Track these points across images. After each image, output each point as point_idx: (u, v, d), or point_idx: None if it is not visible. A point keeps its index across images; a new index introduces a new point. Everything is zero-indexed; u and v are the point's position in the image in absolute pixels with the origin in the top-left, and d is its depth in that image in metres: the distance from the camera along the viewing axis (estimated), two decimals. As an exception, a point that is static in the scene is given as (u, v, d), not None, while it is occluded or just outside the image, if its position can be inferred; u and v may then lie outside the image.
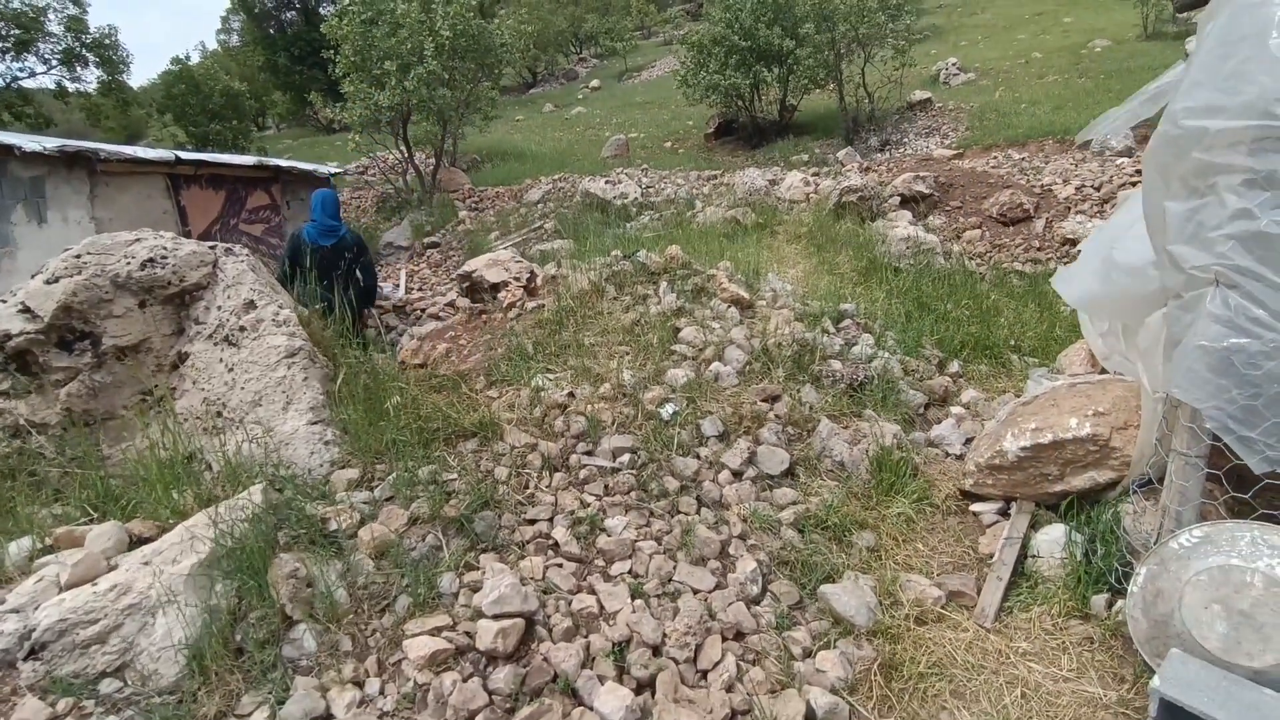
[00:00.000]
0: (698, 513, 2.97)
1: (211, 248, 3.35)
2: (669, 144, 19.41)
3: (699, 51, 16.86)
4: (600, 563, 2.67)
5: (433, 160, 12.50)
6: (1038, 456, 2.81)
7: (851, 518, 2.98)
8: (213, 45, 47.65)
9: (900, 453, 3.31)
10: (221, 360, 3.16)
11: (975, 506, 3.08)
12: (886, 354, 4.20)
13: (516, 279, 4.82)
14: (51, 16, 18.40)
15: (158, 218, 6.45)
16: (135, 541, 2.65)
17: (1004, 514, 3.01)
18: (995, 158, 10.00)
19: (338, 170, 7.99)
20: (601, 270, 4.77)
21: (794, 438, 3.45)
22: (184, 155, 6.42)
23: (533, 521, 2.81)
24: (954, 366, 4.39)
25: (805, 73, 15.55)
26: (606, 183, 10.38)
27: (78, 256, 3.07)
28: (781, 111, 17.39)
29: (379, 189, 12.55)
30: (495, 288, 4.85)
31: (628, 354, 3.95)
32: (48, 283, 2.99)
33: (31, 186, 6.27)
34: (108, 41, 18.81)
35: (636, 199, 9.92)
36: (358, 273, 5.26)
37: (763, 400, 3.60)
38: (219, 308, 3.22)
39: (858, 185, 7.69)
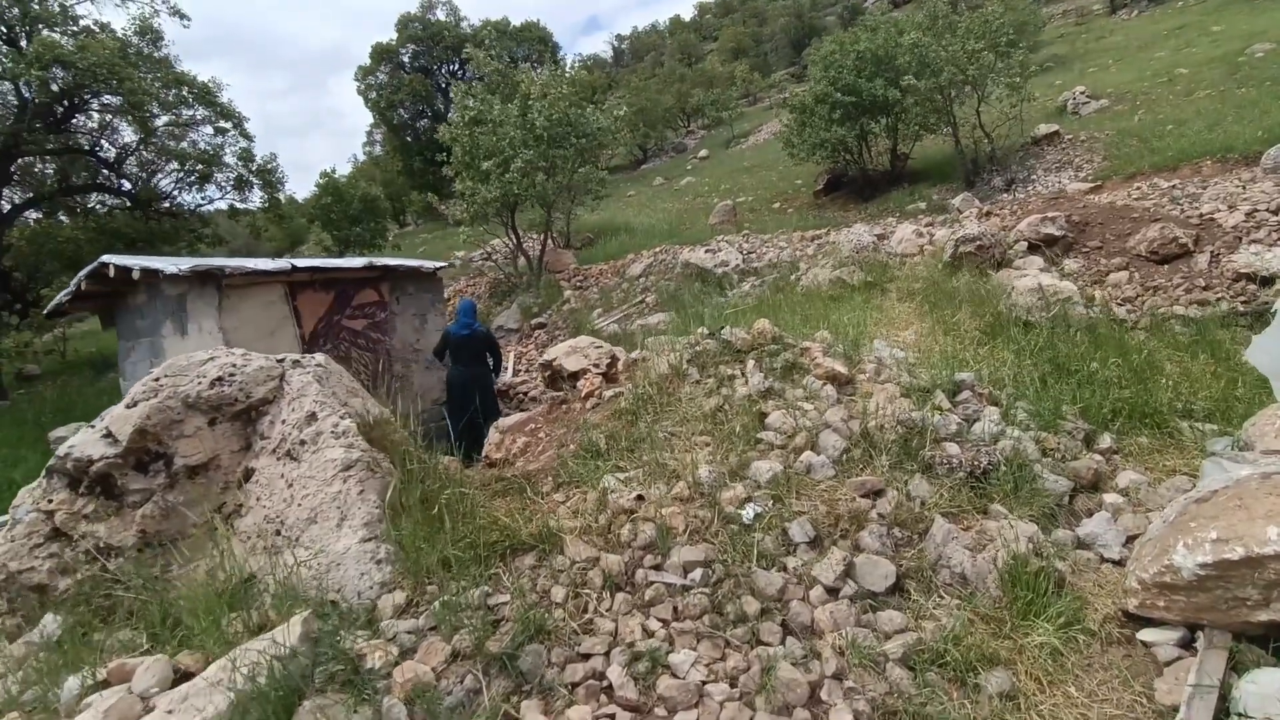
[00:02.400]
0: (782, 643, 2.49)
1: (280, 360, 3.35)
2: (777, 205, 19.15)
3: (802, 112, 16.68)
4: (660, 711, 2.26)
5: (542, 244, 12.90)
6: (1226, 576, 2.15)
7: (978, 650, 2.39)
8: (362, 156, 53.11)
9: (1039, 560, 2.69)
10: (282, 476, 3.09)
11: (1145, 634, 2.41)
12: (1017, 431, 3.56)
13: (595, 366, 4.60)
14: (227, 151, 20.83)
15: (278, 322, 6.85)
16: (181, 676, 2.54)
17: (1188, 645, 2.32)
18: (1139, 188, 8.91)
19: (443, 265, 8.25)
20: (683, 351, 4.46)
21: (902, 543, 2.91)
22: (299, 264, 6.82)
23: (586, 656, 2.45)
24: (1105, 441, 3.67)
25: (914, 119, 14.93)
26: (706, 252, 10.19)
27: (156, 379, 3.13)
28: (893, 160, 16.74)
29: (491, 276, 13.05)
30: (574, 376, 4.65)
31: (707, 445, 3.57)
32: (128, 407, 3.06)
33: (176, 303, 6.86)
34: (269, 167, 21.12)
35: (738, 266, 9.63)
36: (488, 355, 7.52)
37: (863, 496, 3.10)
38: (283, 421, 3.19)
39: (975, 234, 7.01)
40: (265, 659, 2.29)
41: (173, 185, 20.57)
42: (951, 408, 3.78)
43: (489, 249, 13.66)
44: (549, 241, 13.08)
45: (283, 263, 6.79)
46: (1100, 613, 2.53)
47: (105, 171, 20.10)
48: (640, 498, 3.16)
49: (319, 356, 3.73)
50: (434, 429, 8.24)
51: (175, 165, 20.08)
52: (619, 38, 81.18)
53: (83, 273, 7.21)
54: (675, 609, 2.65)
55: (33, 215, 20.48)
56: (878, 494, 3.12)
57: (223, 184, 20.99)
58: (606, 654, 2.46)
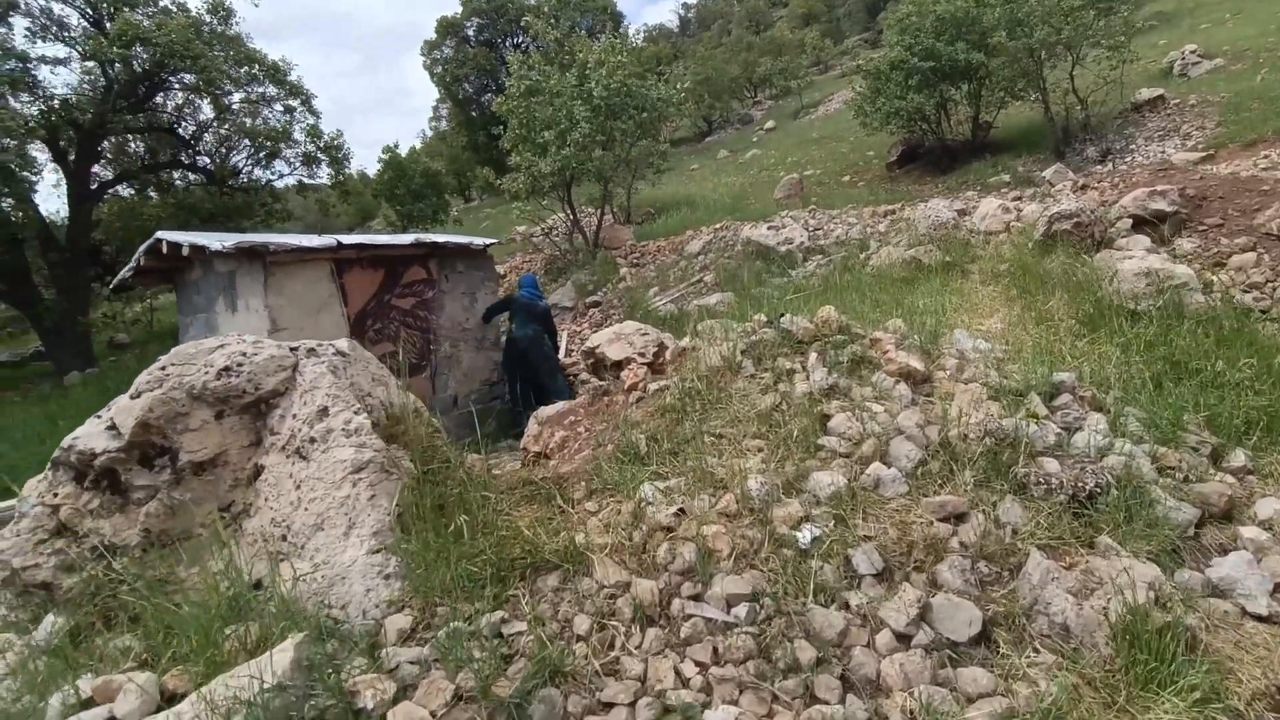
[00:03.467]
0: (842, 701, 2.10)
1: (293, 349, 3.10)
2: (847, 178, 18.26)
3: (876, 78, 15.71)
4: (692, 784, 1.91)
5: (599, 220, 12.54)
6: None
7: (1085, 727, 1.95)
8: (430, 132, 53.72)
9: (1163, 614, 2.20)
10: (291, 475, 2.85)
11: (1309, 720, 1.91)
12: (1128, 444, 3.03)
13: (641, 355, 4.23)
14: (295, 128, 21.19)
15: (324, 300, 6.73)
16: (168, 698, 2.33)
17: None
18: (1267, 156, 7.90)
19: (493, 241, 7.99)
20: (738, 341, 4.03)
21: (989, 580, 2.46)
22: (345, 240, 6.66)
23: (608, 707, 2.12)
24: (1238, 459, 3.09)
25: (1000, 85, 13.85)
26: (769, 228, 9.64)
27: (162, 368, 2.92)
28: (974, 130, 15.64)
29: (547, 252, 12.80)
30: (618, 365, 4.29)
31: (760, 450, 3.17)
32: (132, 398, 2.87)
33: (227, 279, 6.81)
34: (336, 144, 21.40)
35: (802, 243, 9.06)
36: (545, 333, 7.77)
37: (942, 520, 2.65)
38: (294, 416, 2.94)
39: (1072, 209, 6.27)
40: (248, 693, 2.04)
41: (245, 161, 21.10)
42: (1049, 414, 3.25)
43: (549, 224, 13.40)
44: (606, 217, 12.71)
45: (329, 239, 6.64)
46: (1247, 687, 2.04)
47: (184, 149, 20.74)
48: (681, 512, 2.79)
49: (341, 343, 3.48)
50: (481, 411, 8.07)
51: (247, 142, 20.55)
52: (685, 6, 79.34)
53: (141, 249, 7.25)
54: (715, 650, 2.28)
55: (127, 190, 21.33)
56: (960, 518, 2.67)
57: (292, 160, 21.42)
58: (632, 705, 2.11)
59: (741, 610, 2.37)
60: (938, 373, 3.71)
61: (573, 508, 3.06)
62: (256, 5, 20.82)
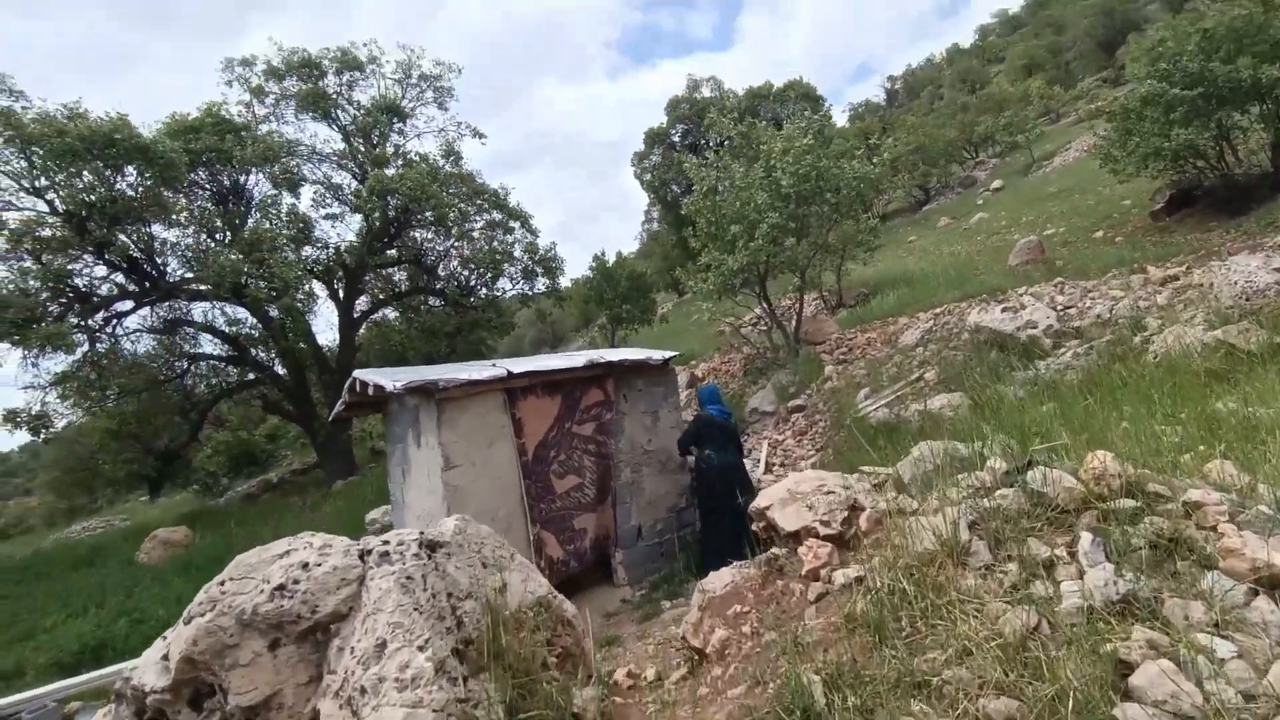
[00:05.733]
0: None
1: (363, 556, 2.53)
2: (1099, 234, 15.51)
3: (1125, 118, 13.29)
4: None
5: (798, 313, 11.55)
6: None
7: None
8: (643, 234, 56.60)
9: None
10: (343, 731, 2.21)
11: None
12: None
13: (824, 523, 3.16)
14: (515, 246, 23.11)
15: (496, 433, 6.47)
16: None
17: None
18: None
19: (674, 355, 7.38)
20: (962, 506, 2.83)
21: None
22: (515, 368, 6.40)
23: None
24: None
25: (1311, 100, 10.93)
26: (1004, 310, 7.99)
27: (221, 584, 2.49)
28: (1276, 159, 12.46)
29: (746, 351, 12.00)
30: (795, 536, 3.26)
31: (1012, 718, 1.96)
32: (184, 623, 2.44)
33: (414, 414, 6.87)
34: (549, 256, 22.90)
35: (1050, 327, 7.32)
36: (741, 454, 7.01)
37: None
38: (351, 650, 2.32)
39: None
40: None
41: (476, 281, 23.25)
42: None
43: (746, 320, 12.68)
44: (810, 307, 11.68)
45: (499, 369, 6.42)
46: None
47: (426, 276, 23.39)
48: None
49: (445, 526, 2.90)
50: (667, 543, 7.25)
51: (474, 265, 22.69)
52: (890, 79, 77.63)
53: (346, 386, 7.62)
54: None
55: (392, 313, 24.46)
56: None
57: (514, 276, 23.20)
58: None
59: None
60: (1328, 573, 2.22)
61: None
62: (484, 144, 23.17)
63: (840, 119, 55.76)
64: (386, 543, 2.61)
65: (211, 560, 12.13)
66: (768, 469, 8.41)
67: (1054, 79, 47.16)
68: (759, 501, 3.63)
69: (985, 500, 2.86)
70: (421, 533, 2.77)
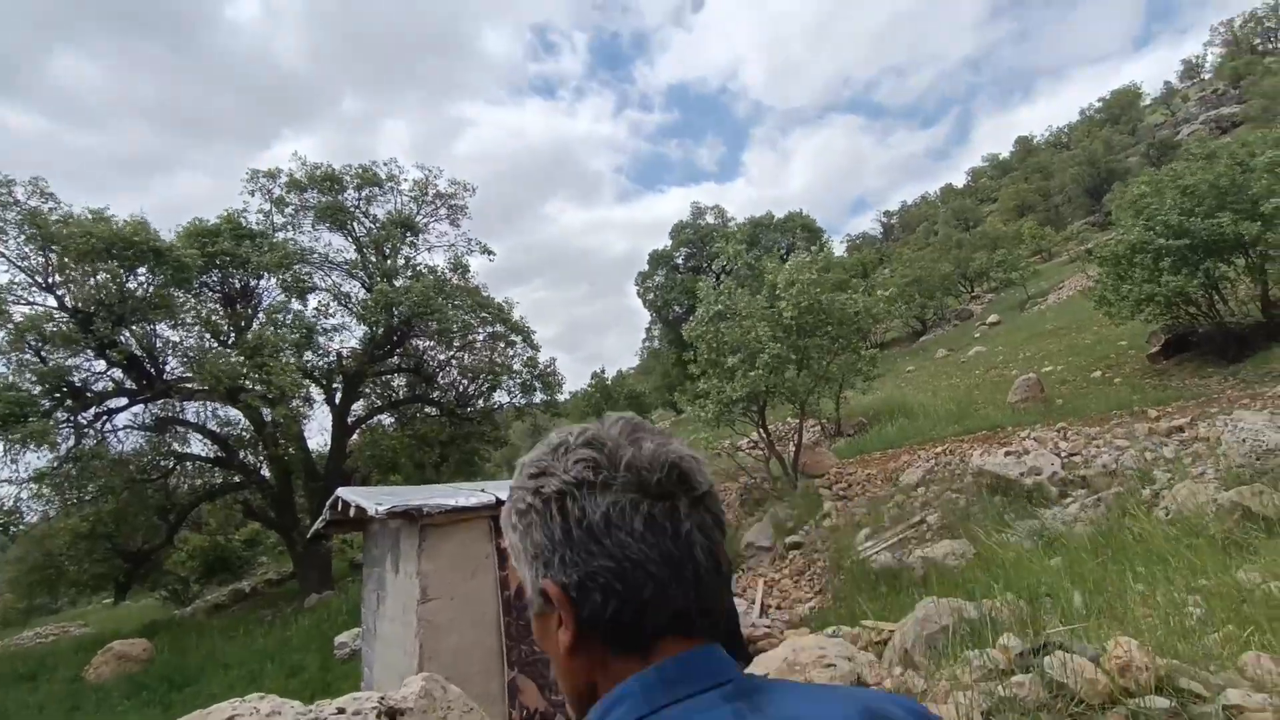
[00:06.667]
0: None
1: (308, 730, 2.26)
2: (1097, 374, 15.61)
3: (1115, 264, 13.68)
4: None
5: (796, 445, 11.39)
6: None
7: None
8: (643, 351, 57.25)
9: None
10: None
11: None
12: None
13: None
14: (515, 360, 23.26)
15: (479, 562, 6.16)
16: None
17: None
18: None
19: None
20: (973, 694, 2.57)
21: None
22: (504, 495, 6.14)
23: None
24: None
25: (1294, 254, 11.26)
26: (1008, 454, 7.83)
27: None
28: (1266, 309, 12.72)
29: (743, 481, 11.73)
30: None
31: None
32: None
33: (395, 537, 6.59)
34: (549, 371, 22.98)
35: (1055, 474, 7.14)
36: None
37: None
38: None
39: None
40: None
41: (473, 392, 23.20)
42: None
43: (751, 443, 12.49)
44: (807, 438, 11.53)
45: (486, 495, 6.18)
46: None
47: (424, 384, 23.37)
48: None
49: (410, 687, 2.62)
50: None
51: (473, 375, 22.73)
52: (887, 214, 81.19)
53: (328, 504, 7.36)
54: None
55: (387, 419, 24.21)
56: None
57: (511, 389, 23.19)
58: None
59: None
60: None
61: None
62: (492, 260, 23.78)
63: (839, 249, 57.85)
64: (342, 710, 2.34)
65: (163, 681, 11.33)
66: (763, 611, 7.98)
67: (1044, 220, 49.29)
68: (752, 669, 3.34)
69: (1000, 687, 2.60)
70: (382, 698, 2.51)
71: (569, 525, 0.68)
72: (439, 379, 23.18)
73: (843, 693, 0.71)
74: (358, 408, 22.58)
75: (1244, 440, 5.69)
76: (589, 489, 0.69)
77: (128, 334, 16.00)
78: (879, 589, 6.64)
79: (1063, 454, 7.72)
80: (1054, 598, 4.61)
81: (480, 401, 23.21)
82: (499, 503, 6.17)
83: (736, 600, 7.96)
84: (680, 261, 41.37)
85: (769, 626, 7.19)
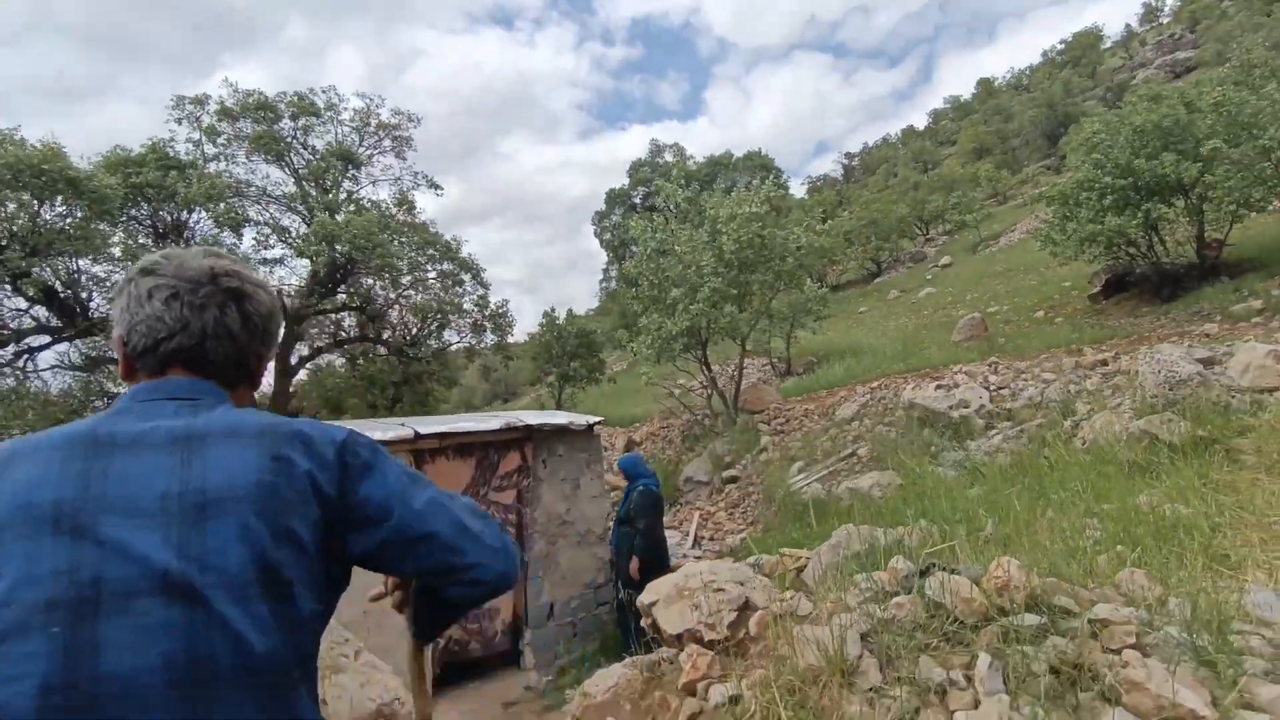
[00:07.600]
0: None
1: None
2: (1040, 314, 15.88)
3: (1063, 203, 13.75)
4: None
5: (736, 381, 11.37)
6: None
7: None
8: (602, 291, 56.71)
9: None
10: None
11: None
12: None
13: (710, 625, 2.81)
14: (465, 299, 22.72)
15: (399, 497, 5.97)
16: None
17: None
18: None
19: (600, 420, 7.05)
20: (855, 617, 2.52)
21: None
22: (424, 429, 5.98)
23: None
24: None
25: (1230, 197, 11.40)
26: (938, 388, 7.89)
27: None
28: (1200, 250, 12.96)
29: (685, 417, 11.72)
30: (679, 639, 2.90)
31: None
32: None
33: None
34: (501, 312, 22.54)
35: (983, 407, 7.22)
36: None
37: None
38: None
39: None
40: None
41: (420, 331, 22.72)
42: None
43: (685, 386, 12.46)
44: (751, 376, 11.52)
45: (405, 429, 5.99)
46: None
47: (372, 323, 22.80)
48: None
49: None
50: (583, 621, 6.77)
51: (421, 315, 22.21)
52: (848, 155, 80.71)
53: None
54: None
55: (338, 360, 23.63)
56: None
57: (461, 329, 22.76)
58: None
59: None
60: (1241, 715, 1.95)
61: None
62: (440, 195, 23.06)
63: (799, 191, 57.47)
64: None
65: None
66: (696, 542, 8.03)
67: (1001, 163, 49.51)
68: (645, 597, 3.26)
69: (880, 608, 2.56)
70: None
71: (128, 298, 1.07)
72: (389, 317, 22.61)
73: (267, 421, 1.00)
74: (302, 348, 21.98)
75: (1159, 372, 5.77)
76: (144, 275, 1.06)
77: (46, 268, 15.10)
78: (806, 519, 6.68)
79: (992, 387, 7.82)
80: (967, 524, 4.65)
81: (432, 342, 22.77)
82: (418, 436, 6.00)
83: (672, 532, 7.98)
84: (638, 201, 40.72)
85: (700, 557, 7.23)
